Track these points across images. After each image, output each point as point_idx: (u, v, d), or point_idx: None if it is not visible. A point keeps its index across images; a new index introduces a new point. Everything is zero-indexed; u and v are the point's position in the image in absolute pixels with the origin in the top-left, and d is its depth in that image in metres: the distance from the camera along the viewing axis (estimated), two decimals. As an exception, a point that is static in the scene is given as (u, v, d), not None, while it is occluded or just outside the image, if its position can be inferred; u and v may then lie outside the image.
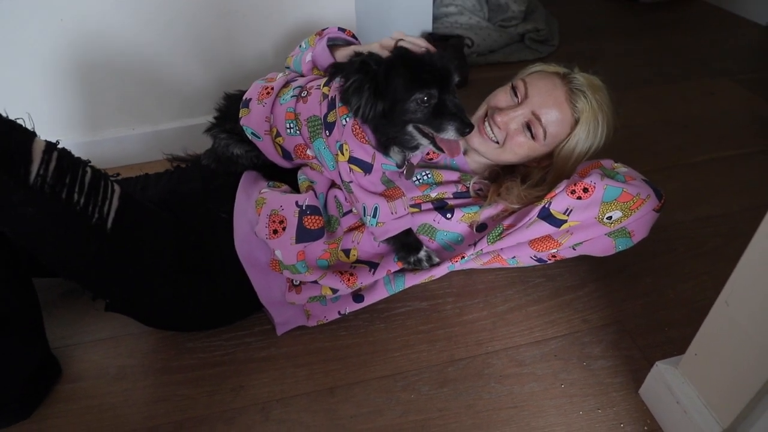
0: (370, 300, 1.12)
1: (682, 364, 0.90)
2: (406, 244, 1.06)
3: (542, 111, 1.08)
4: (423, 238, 1.10)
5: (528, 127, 1.09)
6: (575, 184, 0.99)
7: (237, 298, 1.09)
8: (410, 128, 0.94)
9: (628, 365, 1.05)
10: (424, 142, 0.96)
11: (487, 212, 1.09)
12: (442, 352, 1.09)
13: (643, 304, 1.18)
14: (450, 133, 0.91)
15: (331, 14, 1.48)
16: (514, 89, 1.12)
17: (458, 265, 1.09)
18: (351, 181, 1.00)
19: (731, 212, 1.41)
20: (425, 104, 0.90)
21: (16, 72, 1.39)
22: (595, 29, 2.42)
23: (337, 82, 0.92)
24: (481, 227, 1.11)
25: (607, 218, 0.99)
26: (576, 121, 1.09)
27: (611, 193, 0.98)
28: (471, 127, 0.91)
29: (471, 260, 1.11)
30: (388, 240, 1.05)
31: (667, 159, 1.61)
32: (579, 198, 0.98)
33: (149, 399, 1.02)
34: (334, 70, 0.91)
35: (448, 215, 1.09)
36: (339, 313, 1.12)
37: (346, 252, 1.07)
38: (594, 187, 0.98)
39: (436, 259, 1.08)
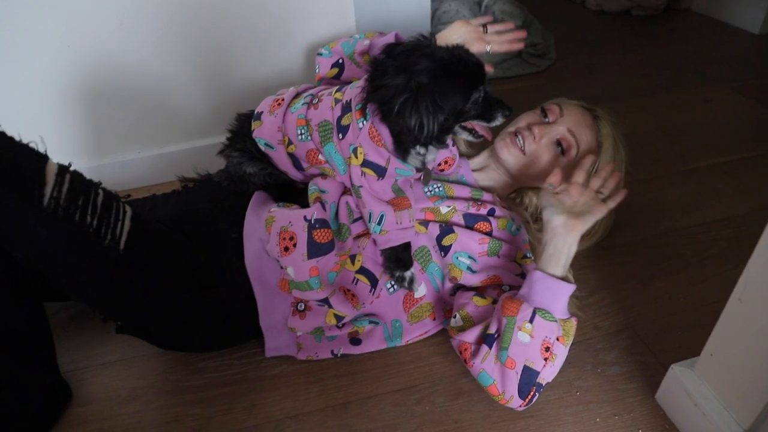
0: (367, 347, 1.10)
1: (698, 366, 0.90)
2: (399, 258, 1.04)
3: (578, 130, 1.15)
4: (416, 264, 1.08)
5: (559, 143, 1.15)
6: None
7: (248, 318, 1.07)
8: (457, 127, 1.01)
9: (643, 370, 1.05)
10: (464, 134, 1.03)
11: (471, 279, 1.09)
12: (455, 363, 1.08)
13: (653, 309, 1.18)
14: (499, 119, 1.00)
15: (332, 30, 1.51)
16: (544, 111, 1.19)
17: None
18: (361, 186, 1.01)
19: (734, 216, 1.42)
20: (478, 101, 0.96)
21: (25, 97, 1.41)
22: (591, 42, 2.45)
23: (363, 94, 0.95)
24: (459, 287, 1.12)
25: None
26: (599, 145, 1.17)
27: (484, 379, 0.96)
28: (511, 108, 1.01)
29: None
30: (385, 250, 1.04)
31: (668, 166, 1.62)
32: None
33: (162, 420, 1.02)
34: (371, 95, 0.93)
35: (442, 252, 1.09)
36: (332, 352, 1.10)
37: (352, 258, 1.06)
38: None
39: (417, 287, 1.07)
